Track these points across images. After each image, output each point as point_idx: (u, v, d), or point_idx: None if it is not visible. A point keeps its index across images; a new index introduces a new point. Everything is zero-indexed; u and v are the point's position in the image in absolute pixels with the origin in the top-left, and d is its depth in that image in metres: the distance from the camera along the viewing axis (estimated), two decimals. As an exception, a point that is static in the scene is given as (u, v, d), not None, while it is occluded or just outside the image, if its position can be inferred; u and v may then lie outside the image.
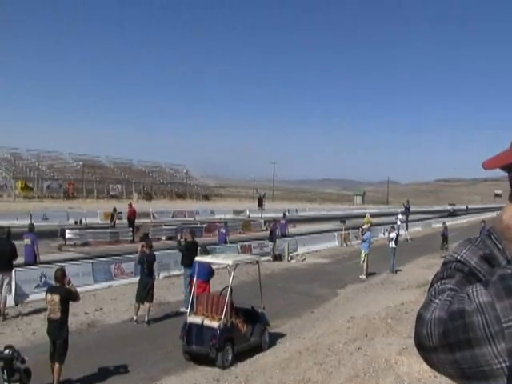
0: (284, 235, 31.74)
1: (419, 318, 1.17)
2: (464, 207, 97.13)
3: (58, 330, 9.27)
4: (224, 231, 27.47)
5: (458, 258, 1.25)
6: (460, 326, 1.08)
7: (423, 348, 1.16)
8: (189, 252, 15.05)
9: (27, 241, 16.57)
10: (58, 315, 9.22)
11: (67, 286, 9.35)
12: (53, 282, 14.85)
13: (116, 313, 14.34)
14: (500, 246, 1.23)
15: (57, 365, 9.13)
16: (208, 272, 13.10)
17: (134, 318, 13.66)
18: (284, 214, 37.65)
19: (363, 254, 22.63)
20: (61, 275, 9.51)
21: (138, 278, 14.74)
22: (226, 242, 26.00)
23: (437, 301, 1.17)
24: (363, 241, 23.28)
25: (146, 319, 13.69)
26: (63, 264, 16.55)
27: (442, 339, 1.11)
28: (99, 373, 10.16)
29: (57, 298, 9.20)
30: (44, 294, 14.79)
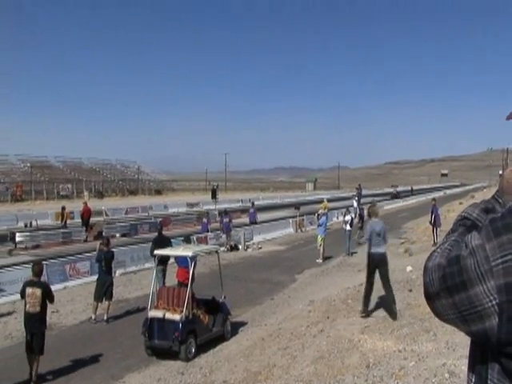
0: (254, 223, 32.78)
1: (424, 269, 1.27)
2: (409, 188, 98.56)
3: (38, 323, 9.34)
4: (206, 221, 29.78)
5: (463, 214, 1.36)
6: (456, 270, 1.17)
7: (429, 296, 1.26)
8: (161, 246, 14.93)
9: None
10: (37, 309, 9.29)
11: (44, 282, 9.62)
12: (3, 287, 14.61)
13: (73, 314, 14.03)
14: (501, 200, 1.34)
15: (36, 357, 9.24)
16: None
17: (93, 317, 13.40)
18: (252, 203, 37.95)
19: (319, 239, 22.83)
20: (39, 269, 9.72)
21: (94, 277, 14.48)
22: (208, 231, 27.95)
23: (438, 250, 1.27)
24: (319, 225, 23.48)
25: (106, 318, 13.44)
26: (17, 268, 16.14)
27: (442, 283, 1.20)
28: (60, 376, 9.93)
29: (38, 291, 9.30)
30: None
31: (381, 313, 10.89)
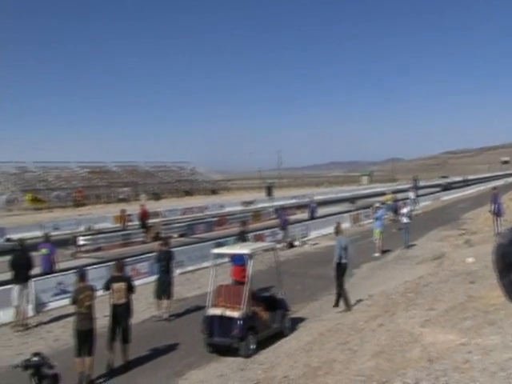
0: (313, 218, 32.90)
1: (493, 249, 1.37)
2: (462, 179, 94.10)
3: (125, 314, 10.39)
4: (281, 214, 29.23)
5: None
6: None
7: (497, 274, 1.36)
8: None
9: (43, 251, 16.70)
10: (124, 300, 10.32)
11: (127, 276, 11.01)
12: (69, 289, 15.07)
13: (135, 313, 14.34)
14: None
15: (124, 345, 10.34)
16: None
17: (156, 314, 13.80)
18: (312, 199, 38.16)
19: (377, 232, 22.57)
20: (121, 265, 10.96)
21: (154, 277, 14.78)
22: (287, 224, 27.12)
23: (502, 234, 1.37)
24: (376, 219, 23.20)
25: (166, 316, 13.77)
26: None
27: (504, 260, 1.30)
28: (123, 373, 10.21)
29: (124, 285, 10.41)
30: (62, 301, 15.14)
31: (442, 306, 10.69)
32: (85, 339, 9.71)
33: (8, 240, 29.07)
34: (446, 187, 69.87)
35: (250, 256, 11.68)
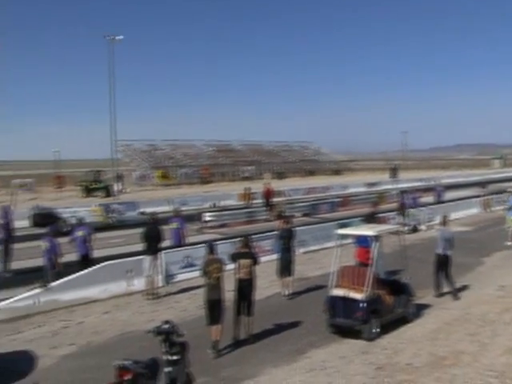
0: (440, 202, 32.44)
1: None
2: None
3: (249, 288, 10.71)
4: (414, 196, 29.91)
5: None
6: None
7: None
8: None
9: (174, 225, 17.54)
10: (249, 276, 10.65)
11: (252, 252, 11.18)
12: (196, 262, 15.70)
13: (259, 289, 14.64)
14: None
15: (248, 318, 10.66)
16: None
17: (279, 291, 14.20)
18: (439, 182, 37.15)
19: (510, 220, 21.29)
20: (248, 241, 11.20)
21: (276, 255, 14.98)
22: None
23: None
24: (510, 208, 21.82)
25: (287, 293, 14.04)
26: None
27: None
28: (244, 345, 10.49)
29: (249, 261, 10.70)
30: (189, 274, 15.82)
31: None
32: (214, 308, 10.15)
33: (142, 213, 30.77)
34: None
35: (376, 238, 11.47)
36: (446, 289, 13.93)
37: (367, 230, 12.14)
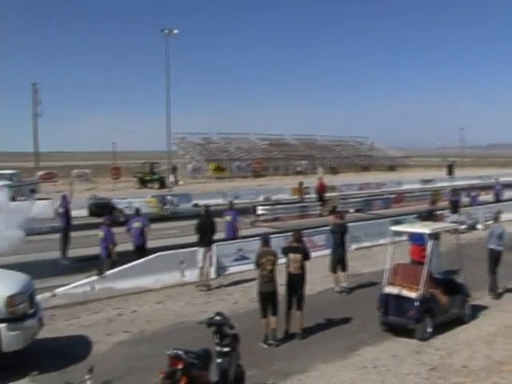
0: (499, 201, 31.52)
1: None
2: None
3: (300, 283, 10.60)
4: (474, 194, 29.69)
5: None
6: None
7: None
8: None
9: (228, 218, 17.68)
10: (299, 271, 10.55)
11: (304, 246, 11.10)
12: (249, 255, 15.76)
13: (310, 285, 14.55)
14: None
15: (298, 312, 10.56)
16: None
17: (333, 287, 14.14)
18: (498, 180, 36.32)
19: None
20: (299, 236, 11.10)
21: (329, 251, 14.88)
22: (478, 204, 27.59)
23: None
24: None
25: (339, 289, 13.97)
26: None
27: None
28: (297, 340, 10.45)
29: (300, 256, 10.58)
30: (241, 266, 15.90)
31: None
32: (268, 301, 10.21)
33: (195, 205, 31.14)
34: None
35: (431, 236, 11.23)
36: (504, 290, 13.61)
37: (422, 228, 11.89)
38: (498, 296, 13.56)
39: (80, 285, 13.28)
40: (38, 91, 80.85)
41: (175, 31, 47.66)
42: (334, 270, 14.16)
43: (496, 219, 14.72)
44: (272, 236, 16.06)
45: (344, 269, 14.13)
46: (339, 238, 14.23)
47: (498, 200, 31.27)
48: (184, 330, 10.95)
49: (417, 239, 12.81)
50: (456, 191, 27.11)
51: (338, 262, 14.09)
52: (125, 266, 14.10)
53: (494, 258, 13.85)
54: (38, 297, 10.46)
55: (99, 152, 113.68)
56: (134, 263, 14.28)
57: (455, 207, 24.99)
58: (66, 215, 17.96)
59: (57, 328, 11.01)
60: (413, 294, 10.45)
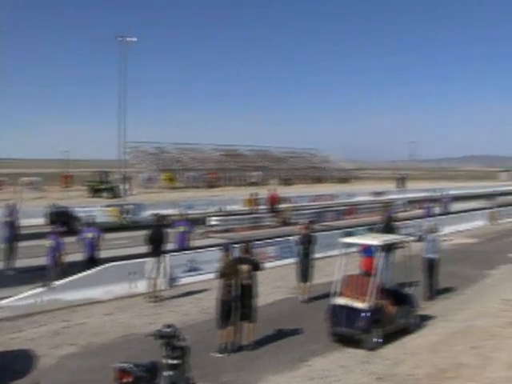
0: (447, 213, 33.13)
1: None
2: None
3: (248, 293, 10.54)
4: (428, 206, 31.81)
5: None
6: None
7: None
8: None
9: (181, 228, 17.57)
10: (248, 281, 10.53)
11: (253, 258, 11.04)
12: (200, 266, 15.70)
13: (262, 296, 14.60)
14: None
15: (249, 324, 10.56)
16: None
17: (298, 297, 14.35)
18: (444, 193, 37.97)
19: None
20: (248, 247, 11.16)
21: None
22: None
23: None
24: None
25: (302, 299, 14.25)
26: (212, 249, 17.14)
27: None
28: (247, 352, 10.45)
29: (247, 267, 10.54)
30: (192, 277, 15.83)
31: None
32: (228, 310, 10.28)
33: (154, 215, 30.75)
34: None
35: (381, 248, 11.43)
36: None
37: (372, 240, 12.10)
38: (432, 298, 14.49)
39: (25, 296, 12.91)
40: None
41: (130, 39, 47.15)
42: (301, 279, 14.30)
43: (431, 231, 15.55)
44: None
45: (306, 280, 14.28)
46: (306, 248, 14.40)
47: (445, 212, 32.13)
48: (133, 343, 10.78)
49: (368, 251, 13.02)
50: (389, 205, 27.54)
51: (303, 272, 14.27)
52: (74, 277, 13.81)
53: (429, 266, 14.83)
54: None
55: (52, 160, 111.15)
56: (83, 274, 14.00)
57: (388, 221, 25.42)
58: (12, 225, 17.49)
59: (0, 342, 10.69)
60: (361, 305, 10.60)
